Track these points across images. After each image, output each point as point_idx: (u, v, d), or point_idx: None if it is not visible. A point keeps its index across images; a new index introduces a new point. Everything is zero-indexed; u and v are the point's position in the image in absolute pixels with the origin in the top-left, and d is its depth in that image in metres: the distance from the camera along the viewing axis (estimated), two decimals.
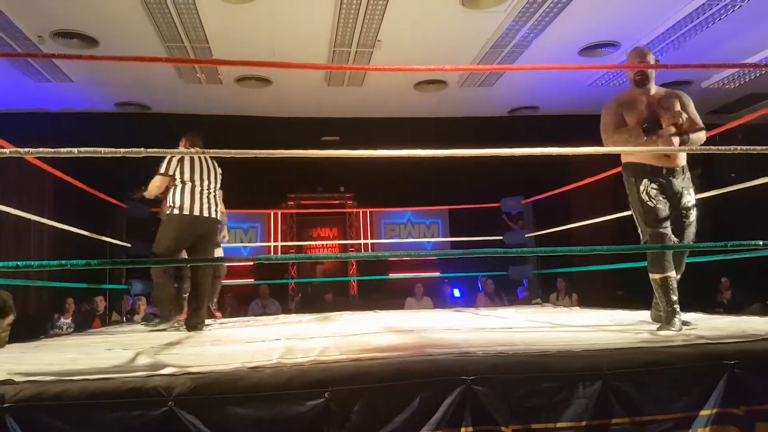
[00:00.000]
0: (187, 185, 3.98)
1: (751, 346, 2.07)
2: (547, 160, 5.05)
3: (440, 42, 6.30)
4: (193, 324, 3.92)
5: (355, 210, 9.90)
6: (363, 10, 5.54)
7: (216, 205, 4.14)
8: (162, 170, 4.01)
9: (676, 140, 2.85)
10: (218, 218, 4.18)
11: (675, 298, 2.84)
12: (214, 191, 4.13)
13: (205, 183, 4.05)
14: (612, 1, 5.56)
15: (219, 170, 4.22)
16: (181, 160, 4.00)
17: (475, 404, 1.74)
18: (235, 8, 5.45)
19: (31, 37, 5.82)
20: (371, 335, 3.03)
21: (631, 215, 3.06)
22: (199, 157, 4.05)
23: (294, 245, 9.56)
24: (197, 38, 6.02)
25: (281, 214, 9.80)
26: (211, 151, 2.38)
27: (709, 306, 7.09)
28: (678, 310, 2.82)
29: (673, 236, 2.90)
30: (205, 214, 4.02)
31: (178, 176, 3.99)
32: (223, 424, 1.64)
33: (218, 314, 5.13)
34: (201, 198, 4.00)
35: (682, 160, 2.98)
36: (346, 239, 10.01)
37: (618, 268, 6.06)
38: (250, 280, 8.87)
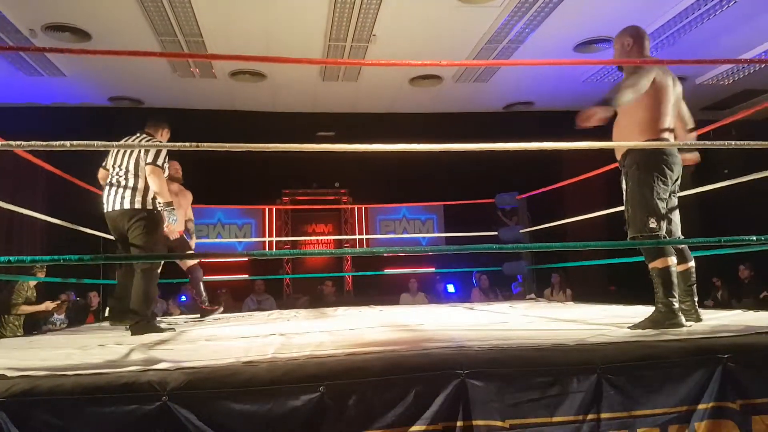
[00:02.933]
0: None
1: (743, 340, 2.08)
2: (541, 156, 5.07)
3: (436, 37, 6.29)
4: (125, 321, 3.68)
5: (350, 206, 9.89)
6: (358, 4, 5.53)
7: (116, 194, 3.62)
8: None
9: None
10: (120, 209, 3.61)
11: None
12: (118, 175, 3.64)
13: (114, 170, 3.66)
14: None
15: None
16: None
17: (470, 398, 1.74)
18: (229, 2, 5.42)
19: (23, 30, 5.77)
20: (366, 330, 3.03)
21: (625, 210, 2.96)
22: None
23: (289, 241, 9.55)
24: (191, 32, 5.98)
25: (276, 209, 9.78)
26: (206, 145, 2.36)
27: (702, 301, 7.13)
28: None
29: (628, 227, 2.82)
30: (108, 209, 3.67)
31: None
32: (218, 419, 1.63)
33: (216, 307, 5.13)
34: (106, 191, 3.69)
35: (618, 152, 2.89)
36: (341, 235, 10.00)
37: (611, 264, 6.09)
38: (245, 276, 8.85)
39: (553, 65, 7.27)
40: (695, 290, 2.84)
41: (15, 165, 7.46)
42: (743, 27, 6.15)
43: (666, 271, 2.62)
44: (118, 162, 3.70)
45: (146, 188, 3.63)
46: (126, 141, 3.78)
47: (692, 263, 2.89)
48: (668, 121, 2.79)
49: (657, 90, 2.74)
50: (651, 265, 2.68)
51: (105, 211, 3.70)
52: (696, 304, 2.83)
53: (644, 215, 2.68)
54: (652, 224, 2.66)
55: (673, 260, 2.65)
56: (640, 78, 2.69)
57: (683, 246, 2.86)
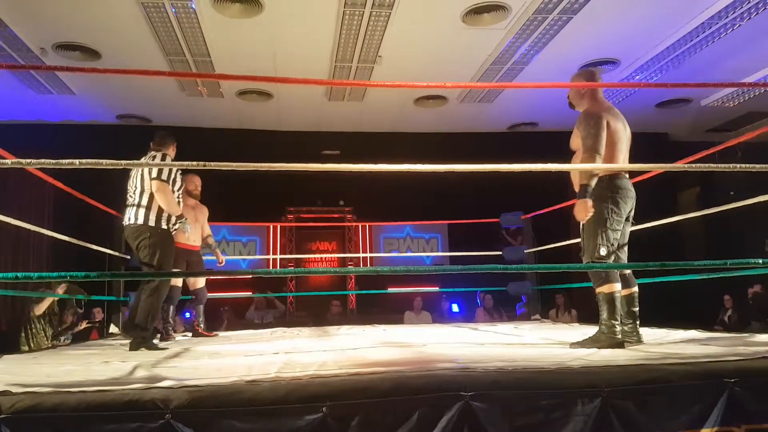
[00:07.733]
0: None
1: (750, 364, 2.06)
2: (546, 176, 5.07)
3: (441, 58, 6.35)
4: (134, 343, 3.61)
5: (354, 224, 9.90)
6: (364, 26, 5.59)
7: (128, 211, 3.73)
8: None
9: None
10: (131, 223, 3.70)
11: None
12: (132, 196, 3.75)
13: (129, 189, 3.78)
14: (612, 19, 5.62)
15: (145, 171, 3.74)
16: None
17: (473, 420, 1.73)
18: (237, 23, 5.49)
19: (34, 49, 5.86)
20: (369, 350, 3.02)
21: (581, 238, 3.15)
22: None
23: (293, 258, 9.55)
24: (199, 52, 6.06)
25: (281, 227, 9.80)
26: (213, 164, 2.38)
27: (710, 324, 7.06)
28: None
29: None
30: (125, 222, 3.78)
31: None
32: None
33: (213, 334, 5.15)
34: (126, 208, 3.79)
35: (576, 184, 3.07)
36: (345, 253, 10.00)
37: None
38: (248, 293, 8.84)
39: (556, 88, 7.31)
40: (638, 314, 3.12)
41: (21, 181, 7.53)
42: (747, 50, 6.18)
43: (611, 297, 2.92)
44: (131, 180, 3.81)
45: (155, 205, 3.69)
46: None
47: (636, 288, 3.17)
48: (622, 159, 3.08)
49: (610, 133, 3.03)
50: (598, 290, 2.98)
51: (124, 224, 3.83)
52: (638, 326, 3.10)
53: (596, 243, 2.96)
54: (603, 252, 2.96)
55: (618, 287, 2.96)
56: (598, 130, 2.96)
57: (629, 272, 3.14)
